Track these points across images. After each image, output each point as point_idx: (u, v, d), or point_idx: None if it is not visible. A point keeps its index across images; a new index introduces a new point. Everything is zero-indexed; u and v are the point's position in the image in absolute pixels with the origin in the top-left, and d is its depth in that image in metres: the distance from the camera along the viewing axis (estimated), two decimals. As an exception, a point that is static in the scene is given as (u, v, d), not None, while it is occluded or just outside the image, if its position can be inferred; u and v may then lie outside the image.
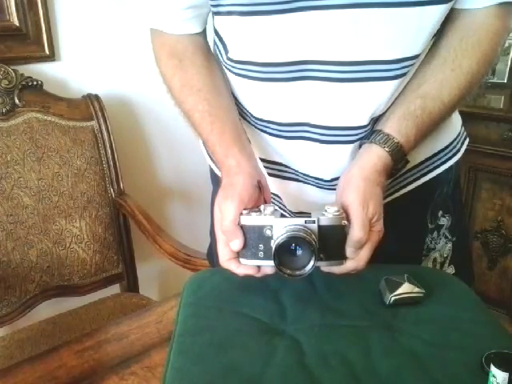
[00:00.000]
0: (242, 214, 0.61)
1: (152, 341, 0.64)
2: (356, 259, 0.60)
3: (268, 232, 0.59)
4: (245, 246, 0.61)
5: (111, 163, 1.45)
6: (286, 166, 0.78)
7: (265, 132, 0.75)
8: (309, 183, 0.77)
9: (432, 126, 0.67)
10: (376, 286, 0.66)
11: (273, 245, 0.58)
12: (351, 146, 0.69)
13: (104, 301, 1.43)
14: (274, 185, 0.82)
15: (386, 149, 0.63)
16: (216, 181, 0.91)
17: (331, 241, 0.59)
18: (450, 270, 0.87)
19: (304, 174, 0.76)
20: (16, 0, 1.33)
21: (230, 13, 0.64)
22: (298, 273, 0.58)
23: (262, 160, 0.80)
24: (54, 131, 1.36)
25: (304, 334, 0.59)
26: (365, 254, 0.60)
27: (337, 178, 0.74)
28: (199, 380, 0.52)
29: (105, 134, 1.43)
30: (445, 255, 0.86)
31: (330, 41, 0.61)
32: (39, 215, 1.33)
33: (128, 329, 0.67)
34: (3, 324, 1.30)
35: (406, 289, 0.63)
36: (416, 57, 0.64)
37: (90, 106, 1.43)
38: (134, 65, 1.58)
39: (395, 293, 0.62)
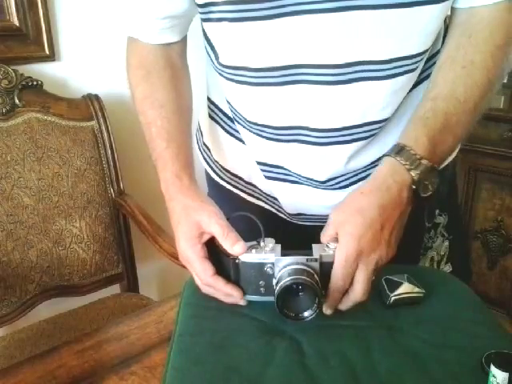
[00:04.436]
0: None
1: (152, 341, 0.64)
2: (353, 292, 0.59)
3: (269, 270, 0.59)
4: (246, 281, 0.61)
5: (111, 163, 1.45)
6: (282, 168, 0.77)
7: (260, 136, 0.74)
8: (305, 184, 0.77)
9: (454, 126, 0.63)
10: (376, 286, 0.65)
11: (274, 284, 0.58)
12: (347, 146, 0.69)
13: (104, 301, 1.43)
14: (271, 187, 0.82)
15: (392, 154, 0.61)
16: (212, 184, 0.91)
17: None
18: (447, 268, 0.87)
19: (300, 176, 0.76)
20: (16, 0, 1.33)
21: (220, 19, 0.64)
22: (300, 316, 0.58)
23: (259, 163, 0.80)
24: (54, 131, 1.36)
25: (304, 334, 0.59)
26: (359, 287, 0.58)
27: (331, 179, 0.74)
28: (199, 380, 0.52)
29: (105, 134, 1.43)
30: (442, 253, 0.86)
31: (321, 44, 0.60)
32: (39, 215, 1.33)
33: (128, 329, 0.67)
34: (3, 324, 1.30)
35: (405, 289, 0.63)
36: (412, 56, 0.63)
37: (89, 105, 1.43)
38: (133, 65, 1.57)
39: (395, 293, 0.63)
